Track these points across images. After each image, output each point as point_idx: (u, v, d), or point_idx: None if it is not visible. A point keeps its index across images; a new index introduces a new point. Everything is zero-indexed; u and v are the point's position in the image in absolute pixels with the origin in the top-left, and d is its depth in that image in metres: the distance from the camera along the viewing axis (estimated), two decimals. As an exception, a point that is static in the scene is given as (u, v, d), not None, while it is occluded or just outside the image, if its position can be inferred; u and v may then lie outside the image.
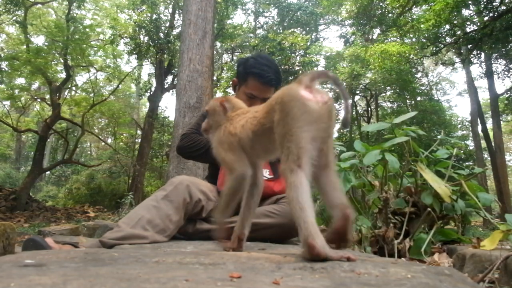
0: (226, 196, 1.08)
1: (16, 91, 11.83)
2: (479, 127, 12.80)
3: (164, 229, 1.43)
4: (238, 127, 1.06)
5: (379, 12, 11.69)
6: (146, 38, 11.59)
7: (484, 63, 11.67)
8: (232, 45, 12.33)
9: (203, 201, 1.57)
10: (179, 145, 1.80)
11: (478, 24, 8.82)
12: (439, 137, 2.19)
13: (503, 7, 8.06)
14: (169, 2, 12.44)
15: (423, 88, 16.31)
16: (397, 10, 10.29)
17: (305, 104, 0.85)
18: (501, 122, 13.37)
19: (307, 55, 11.58)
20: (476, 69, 35.77)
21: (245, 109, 1.15)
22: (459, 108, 40.16)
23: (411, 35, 11.58)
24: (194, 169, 4.72)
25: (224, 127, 1.12)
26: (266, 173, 1.68)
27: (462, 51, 10.59)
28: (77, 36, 10.32)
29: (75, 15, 11.04)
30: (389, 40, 13.03)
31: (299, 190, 0.82)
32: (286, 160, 0.85)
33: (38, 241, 1.28)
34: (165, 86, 12.89)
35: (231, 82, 1.99)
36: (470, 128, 14.80)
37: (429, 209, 1.74)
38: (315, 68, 11.80)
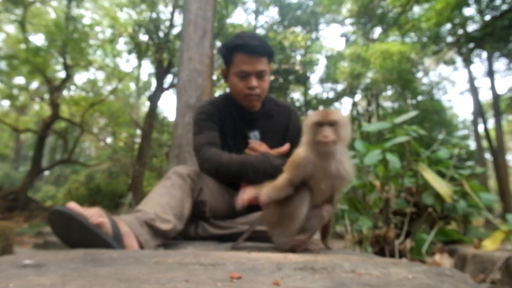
0: None
1: (15, 90, 11.82)
2: (481, 127, 12.81)
3: (181, 213, 1.36)
4: None
5: (380, 11, 11.66)
6: (146, 37, 11.57)
7: (486, 62, 11.65)
8: (232, 44, 12.29)
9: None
10: (207, 167, 1.51)
11: (480, 23, 8.80)
12: (440, 136, 2.17)
13: (505, 6, 8.03)
14: (168, 1, 12.41)
15: (424, 87, 16.29)
16: (398, 9, 10.27)
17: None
18: (503, 122, 13.35)
19: (308, 54, 11.55)
20: (478, 68, 35.72)
21: None
22: (461, 107, 39.83)
23: (412, 34, 11.56)
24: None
25: None
26: None
27: (463, 50, 10.57)
28: (76, 35, 10.30)
29: (74, 14, 11.02)
30: (390, 39, 13.02)
31: None
32: None
33: (63, 211, 1.08)
34: (165, 86, 12.87)
35: (220, 73, 1.75)
36: (473, 128, 14.78)
37: (430, 209, 1.74)
38: (315, 67, 11.76)
